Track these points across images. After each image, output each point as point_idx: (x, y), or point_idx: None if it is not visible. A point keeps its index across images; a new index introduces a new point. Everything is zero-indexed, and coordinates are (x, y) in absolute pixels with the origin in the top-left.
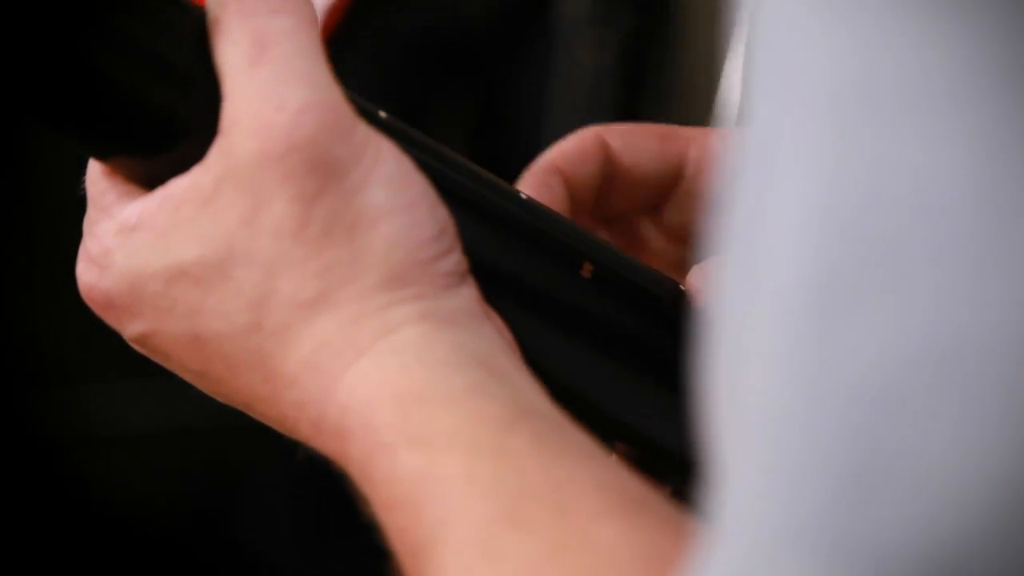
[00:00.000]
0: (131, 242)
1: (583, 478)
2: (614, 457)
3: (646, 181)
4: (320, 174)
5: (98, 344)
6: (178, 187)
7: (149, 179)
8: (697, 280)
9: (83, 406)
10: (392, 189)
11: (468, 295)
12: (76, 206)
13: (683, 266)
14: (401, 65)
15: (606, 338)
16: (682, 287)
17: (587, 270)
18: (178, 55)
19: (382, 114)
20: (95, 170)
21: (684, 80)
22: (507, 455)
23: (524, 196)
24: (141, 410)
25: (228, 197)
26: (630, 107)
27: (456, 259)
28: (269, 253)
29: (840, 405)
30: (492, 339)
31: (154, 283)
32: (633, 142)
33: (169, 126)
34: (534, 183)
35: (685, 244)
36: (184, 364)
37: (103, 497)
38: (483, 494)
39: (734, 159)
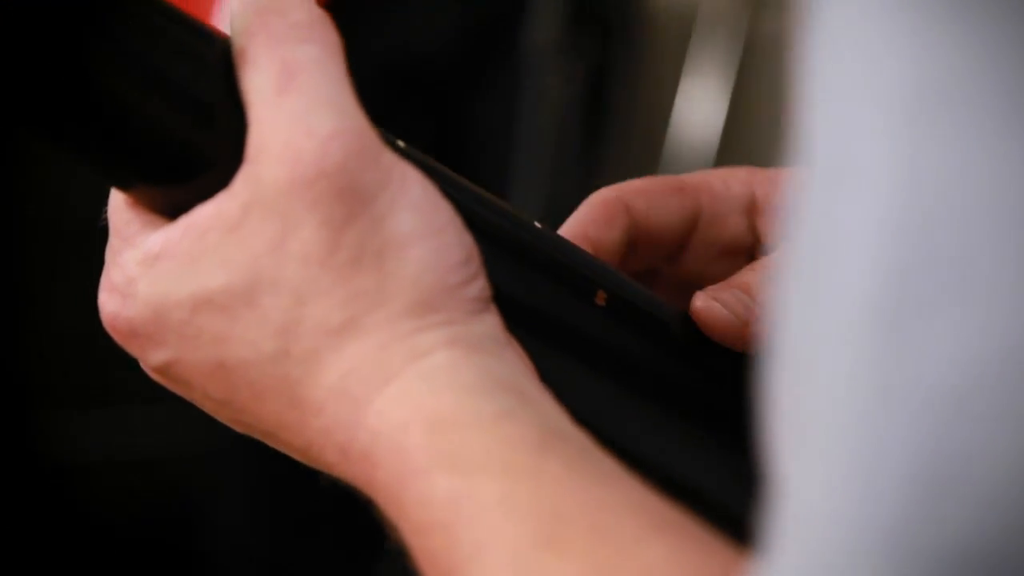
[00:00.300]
0: (155, 271)
1: (618, 501)
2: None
3: (667, 237)
4: (349, 200)
5: (97, 371)
6: (203, 215)
7: (171, 208)
8: (700, 305)
9: (85, 431)
10: (420, 215)
11: (492, 321)
12: (71, 239)
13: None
14: (360, 94)
15: (620, 365)
16: (687, 314)
17: (601, 298)
18: (203, 85)
19: (400, 143)
20: (117, 200)
21: (640, 110)
22: (541, 478)
23: (539, 225)
24: (132, 436)
25: (255, 224)
26: (595, 137)
27: (481, 285)
28: (297, 280)
29: (913, 410)
30: (517, 365)
31: (179, 311)
32: (655, 202)
33: (193, 155)
34: None
35: (696, 288)
36: (207, 392)
37: (101, 517)
38: (520, 517)
39: (797, 182)
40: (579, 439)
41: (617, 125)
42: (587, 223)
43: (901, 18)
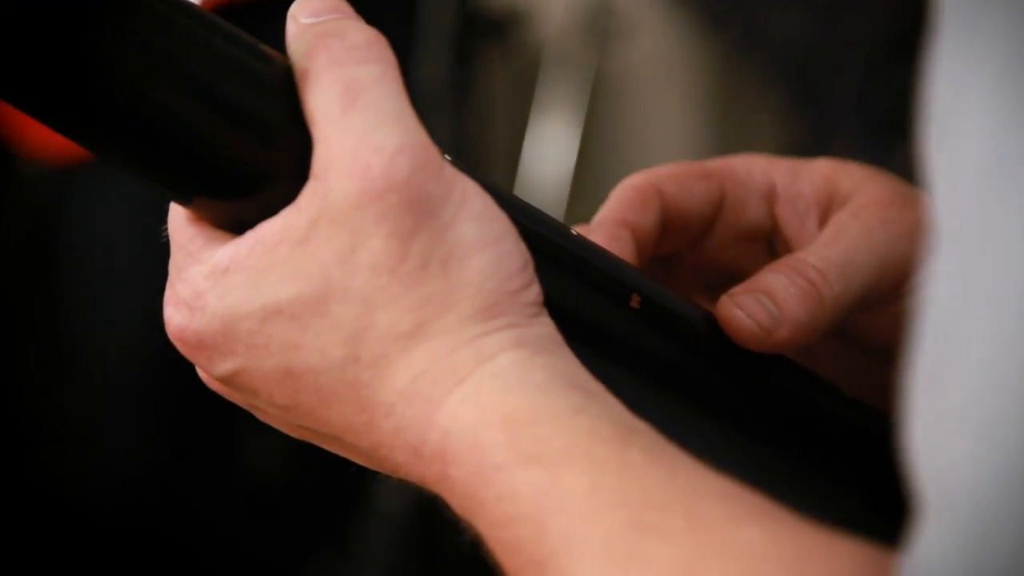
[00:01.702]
0: (224, 283)
1: (705, 488)
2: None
3: (695, 221)
4: (416, 212)
5: None
6: (270, 229)
7: (233, 222)
8: (725, 313)
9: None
10: (481, 224)
11: (548, 323)
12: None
13: (713, 294)
14: None
15: (653, 365)
16: (711, 315)
17: (635, 301)
18: (264, 103)
19: (447, 157)
20: (179, 216)
21: (491, 148)
22: (626, 470)
23: (575, 232)
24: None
25: (324, 236)
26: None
27: (537, 289)
28: (367, 288)
29: None
30: (576, 364)
31: (249, 321)
32: (684, 187)
33: (255, 171)
34: (605, 237)
35: (716, 273)
36: (273, 399)
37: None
38: (611, 506)
39: (939, 188)
40: (649, 432)
41: (468, 162)
42: (624, 208)
43: None
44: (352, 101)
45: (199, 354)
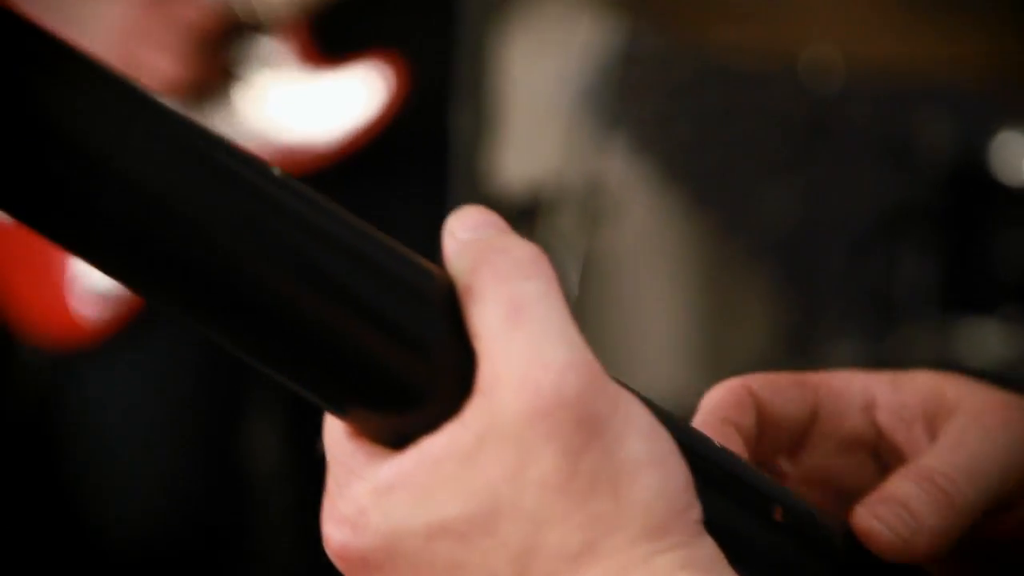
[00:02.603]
0: (388, 501)
1: None
2: None
3: (789, 427)
4: (585, 429)
5: None
6: (435, 445)
7: (392, 436)
8: (863, 525)
9: None
10: (648, 442)
11: (711, 542)
12: None
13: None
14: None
15: None
16: (847, 524)
17: (779, 513)
18: (426, 321)
19: None
20: (337, 430)
21: None
22: None
23: (718, 443)
24: None
25: (492, 453)
26: None
27: (699, 508)
28: (535, 506)
29: None
30: None
31: (413, 540)
32: (778, 392)
33: (416, 387)
34: (715, 436)
35: (819, 484)
36: None
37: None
38: None
39: None
40: None
41: None
42: (725, 408)
43: None
44: (518, 317)
45: (361, 572)
